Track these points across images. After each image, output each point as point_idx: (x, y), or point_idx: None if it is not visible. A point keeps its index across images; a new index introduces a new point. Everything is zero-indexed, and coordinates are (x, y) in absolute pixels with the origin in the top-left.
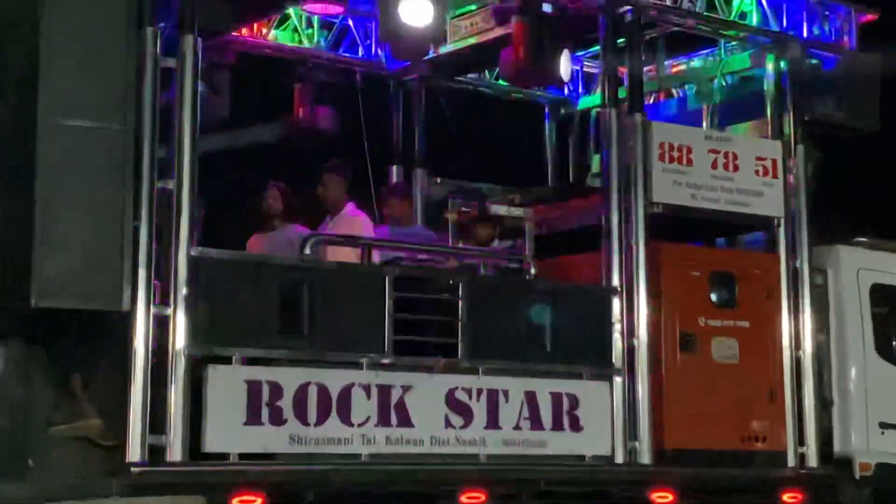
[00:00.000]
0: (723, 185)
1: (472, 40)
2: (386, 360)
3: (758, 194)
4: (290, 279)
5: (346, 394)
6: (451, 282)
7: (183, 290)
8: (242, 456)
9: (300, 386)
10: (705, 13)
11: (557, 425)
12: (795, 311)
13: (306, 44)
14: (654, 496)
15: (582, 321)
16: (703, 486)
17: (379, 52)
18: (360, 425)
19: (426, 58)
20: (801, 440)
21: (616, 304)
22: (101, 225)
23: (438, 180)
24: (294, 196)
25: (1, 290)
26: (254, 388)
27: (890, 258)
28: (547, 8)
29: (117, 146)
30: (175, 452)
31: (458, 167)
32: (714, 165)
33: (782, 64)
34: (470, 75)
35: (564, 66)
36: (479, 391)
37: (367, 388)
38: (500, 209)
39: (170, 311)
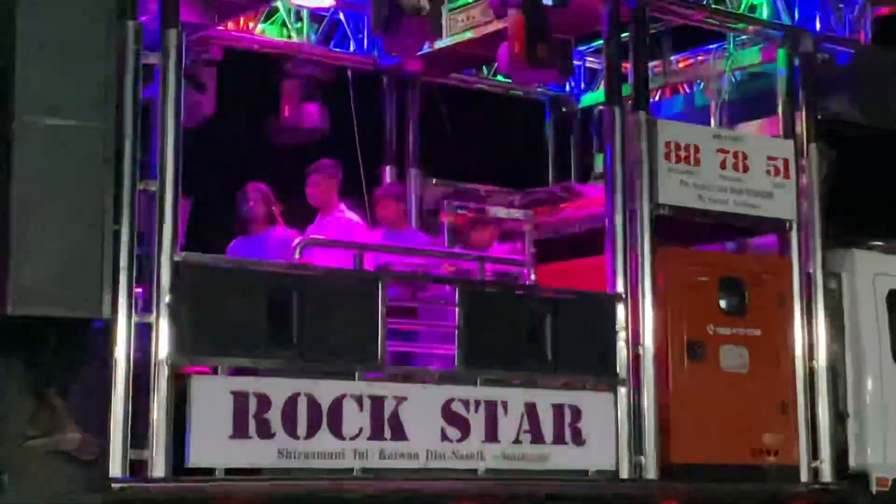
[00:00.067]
0: (732, 185)
1: (469, 34)
2: (379, 371)
3: (769, 195)
4: (278, 285)
5: (337, 406)
6: (447, 287)
7: (166, 297)
8: (228, 471)
9: (289, 397)
10: (713, 6)
11: (559, 438)
12: (808, 318)
13: (295, 38)
14: None
15: (584, 329)
16: (712, 503)
17: (371, 47)
18: (352, 439)
19: (421, 53)
20: (814, 454)
21: (620, 310)
22: (80, 228)
23: (434, 181)
24: (276, 198)
25: None
26: (240, 399)
27: None
28: (547, 0)
29: (97, 146)
30: (158, 467)
31: (454, 167)
32: (723, 165)
33: (794, 59)
34: (467, 71)
35: (564, 62)
36: (477, 403)
37: (359, 400)
38: (499, 211)
39: (152, 318)
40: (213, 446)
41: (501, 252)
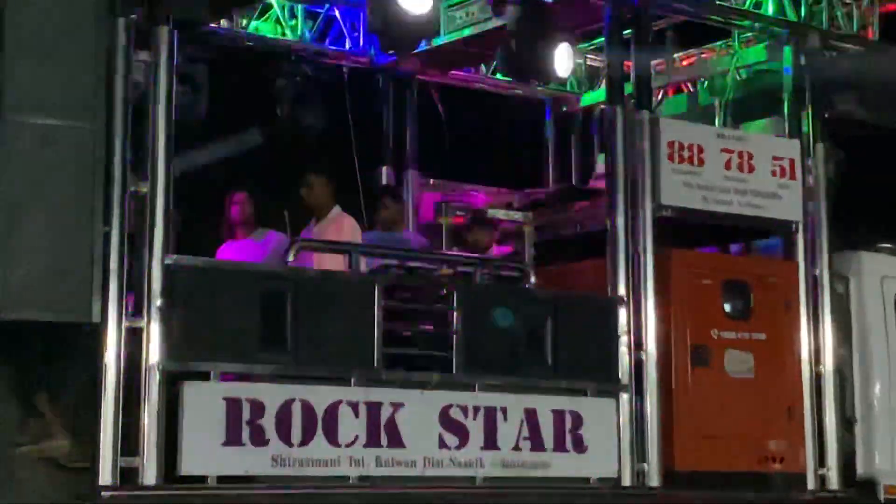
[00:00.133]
0: (736, 186)
1: (467, 31)
2: (375, 376)
3: (774, 197)
4: (272, 288)
5: (332, 412)
6: (444, 291)
7: (157, 301)
8: (221, 479)
9: (283, 403)
10: (718, 2)
11: (560, 445)
12: (815, 322)
13: (289, 36)
14: None
15: (586, 333)
16: None
17: (368, 45)
18: (347, 446)
19: (419, 50)
20: (821, 461)
21: (622, 314)
22: (68, 231)
23: (431, 182)
24: (261, 203)
25: None
26: (233, 405)
27: None
28: None
29: (86, 146)
30: (149, 475)
31: (452, 168)
32: (727, 166)
33: (800, 56)
34: (465, 69)
35: (563, 60)
36: (476, 409)
37: (355, 406)
38: (498, 213)
39: (143, 323)
40: (205, 453)
41: (500, 254)
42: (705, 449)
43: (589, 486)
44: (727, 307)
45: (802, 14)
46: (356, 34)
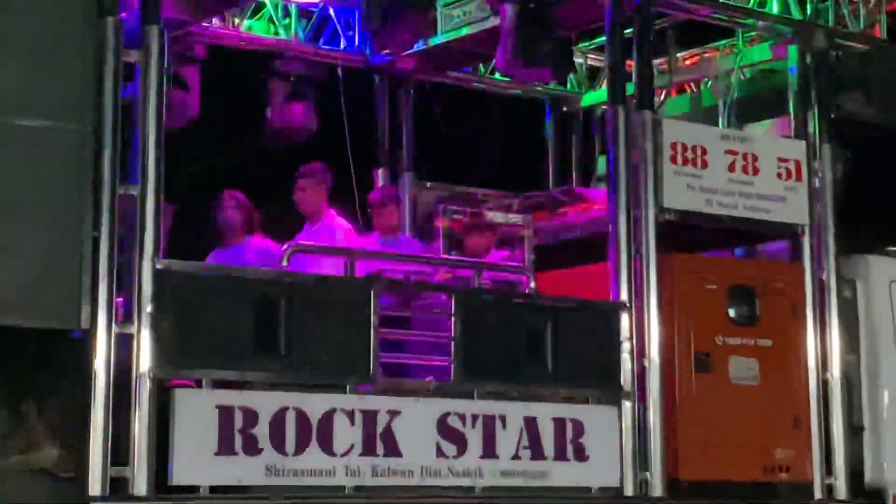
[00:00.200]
0: (741, 189)
1: (465, 30)
2: (371, 383)
3: (780, 199)
4: (265, 294)
5: (327, 420)
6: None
7: (148, 307)
8: (213, 489)
9: (277, 411)
10: (721, 0)
11: (560, 454)
12: (822, 327)
13: (283, 35)
14: None
15: (587, 339)
16: None
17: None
18: (343, 455)
19: (415, 50)
20: (828, 470)
21: (624, 320)
22: (57, 235)
23: (428, 184)
24: (254, 206)
25: None
26: (226, 414)
27: None
28: None
29: (75, 148)
30: (139, 485)
31: (449, 170)
32: (731, 168)
33: (806, 56)
34: (463, 69)
35: (560, 59)
36: (474, 417)
37: (350, 414)
38: (497, 216)
39: (133, 329)
40: (197, 463)
41: (499, 259)
42: (709, 458)
43: (590, 496)
44: (732, 312)
45: (808, 12)
46: (351, 33)
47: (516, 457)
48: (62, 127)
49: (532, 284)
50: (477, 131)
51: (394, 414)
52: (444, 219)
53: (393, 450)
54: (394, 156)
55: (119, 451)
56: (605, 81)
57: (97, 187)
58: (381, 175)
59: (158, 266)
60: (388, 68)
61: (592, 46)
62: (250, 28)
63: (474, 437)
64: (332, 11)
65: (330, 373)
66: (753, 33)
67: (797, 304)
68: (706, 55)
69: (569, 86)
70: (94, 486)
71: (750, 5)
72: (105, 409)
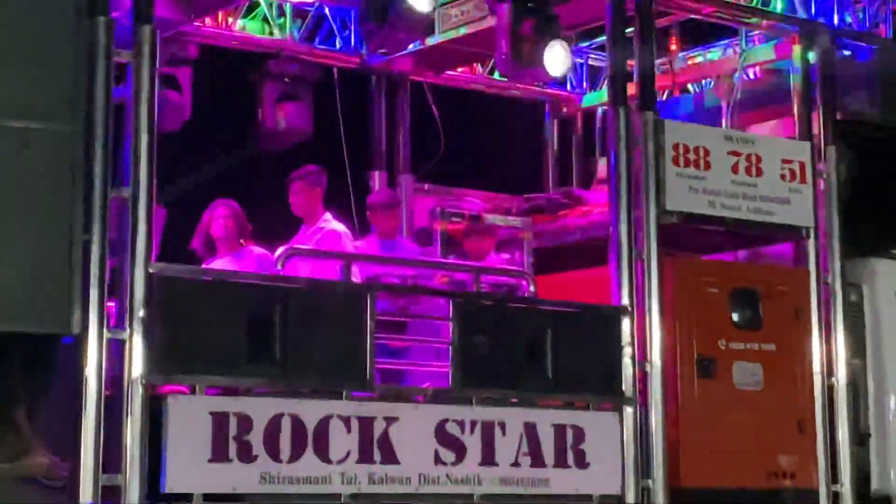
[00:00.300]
0: (744, 191)
1: (462, 30)
2: (368, 389)
3: (784, 201)
4: (260, 298)
5: (323, 427)
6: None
7: (140, 312)
8: (207, 497)
9: (272, 418)
10: None
11: (561, 462)
12: (827, 332)
13: (277, 35)
14: None
15: (588, 345)
16: None
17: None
18: (339, 462)
19: (412, 50)
20: (834, 477)
21: (626, 325)
22: (47, 238)
23: (426, 187)
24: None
25: None
26: (220, 420)
27: None
28: None
29: (65, 150)
30: (132, 493)
31: (447, 172)
32: (734, 169)
33: (810, 56)
34: (461, 69)
35: (556, 59)
36: (473, 423)
37: (346, 421)
38: (496, 219)
39: (125, 334)
40: (190, 470)
41: (498, 262)
42: (712, 465)
43: None
44: (735, 317)
45: (812, 11)
46: (346, 33)
47: (516, 464)
48: (52, 128)
49: (532, 288)
50: (475, 133)
51: (391, 420)
52: (443, 222)
53: (390, 457)
54: (391, 158)
55: (111, 458)
56: (606, 82)
57: (88, 190)
58: (377, 178)
59: (151, 270)
60: (384, 69)
61: (593, 46)
62: (244, 28)
63: (473, 444)
64: (327, 11)
65: (326, 379)
66: (757, 32)
67: (801, 308)
68: (709, 55)
69: (569, 86)
70: (86, 494)
71: (753, 4)
72: (96, 416)
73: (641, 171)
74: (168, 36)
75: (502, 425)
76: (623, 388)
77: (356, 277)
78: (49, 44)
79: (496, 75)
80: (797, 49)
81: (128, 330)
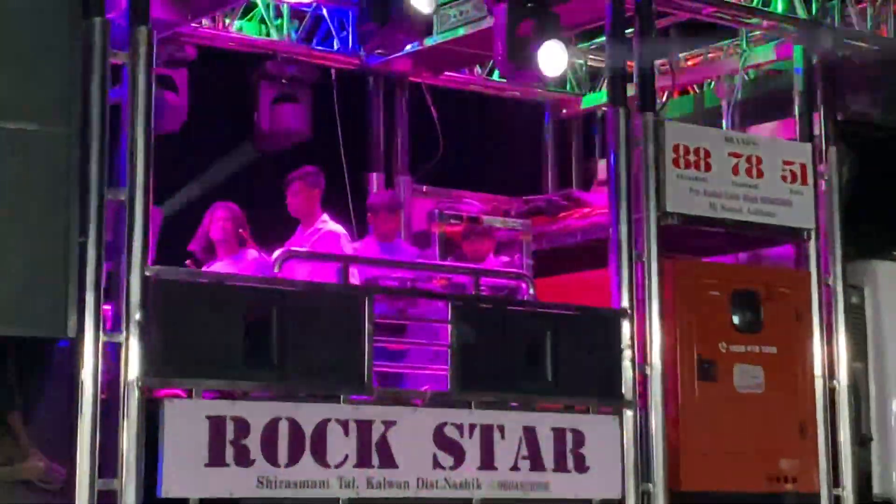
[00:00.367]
0: (745, 192)
1: (461, 31)
2: (366, 393)
3: (785, 203)
4: (257, 301)
5: (321, 431)
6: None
7: (136, 315)
8: (204, 501)
9: (269, 422)
10: None
11: (560, 465)
12: (828, 334)
13: (275, 36)
14: None
15: (587, 347)
16: None
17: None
18: (337, 466)
19: (411, 51)
20: (835, 481)
21: (626, 327)
22: (43, 241)
23: (424, 189)
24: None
25: None
26: (217, 424)
27: None
28: None
29: (61, 151)
30: (128, 498)
31: (446, 174)
32: (735, 171)
33: (812, 55)
34: (460, 70)
35: (552, 60)
36: (472, 427)
37: (344, 425)
38: (495, 221)
39: (121, 338)
40: (187, 475)
41: (497, 265)
42: (713, 468)
43: None
44: (736, 319)
45: (814, 11)
46: (344, 34)
47: (515, 468)
48: (48, 130)
49: (531, 291)
50: (474, 134)
51: (389, 424)
52: (441, 224)
53: (388, 461)
54: (389, 159)
55: (107, 462)
56: (606, 83)
57: (84, 192)
58: (375, 179)
59: (147, 273)
60: (382, 70)
61: (592, 46)
62: (241, 29)
63: (472, 448)
64: (325, 12)
65: (323, 382)
66: (757, 33)
67: (803, 310)
68: (709, 56)
69: (568, 87)
70: (82, 499)
71: (754, 4)
72: (92, 420)
73: (641, 173)
74: (164, 37)
75: (501, 429)
76: (623, 391)
77: (354, 279)
78: (45, 45)
79: (495, 76)
80: (798, 49)
81: (124, 333)
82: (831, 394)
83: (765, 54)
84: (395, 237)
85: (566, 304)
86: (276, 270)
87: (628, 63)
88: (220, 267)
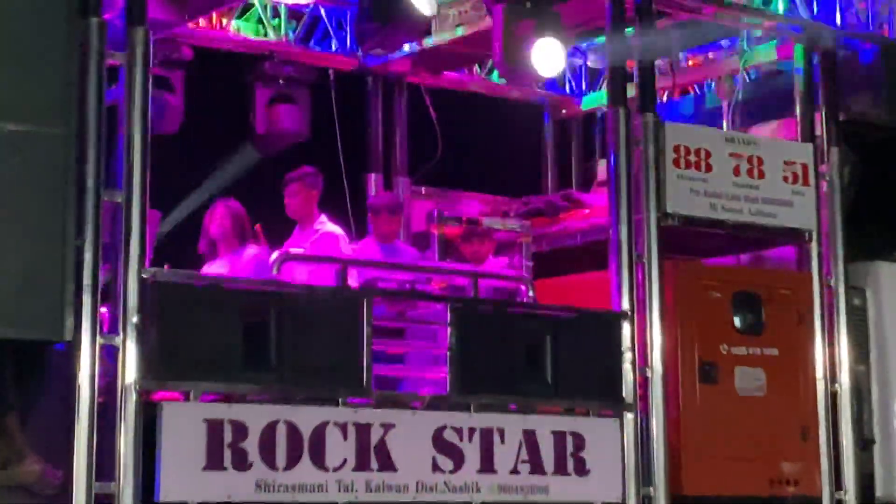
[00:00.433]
0: (746, 193)
1: (460, 31)
2: (364, 396)
3: (786, 204)
4: (255, 304)
5: (319, 434)
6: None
7: (133, 317)
8: None
9: (267, 425)
10: None
11: (561, 469)
12: (830, 336)
13: (272, 36)
14: None
15: (587, 350)
16: None
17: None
18: (335, 470)
19: (409, 51)
20: (838, 484)
21: (626, 329)
22: (39, 243)
23: (423, 190)
24: (247, 215)
25: None
26: (214, 427)
27: None
28: None
29: (57, 153)
30: (125, 502)
31: (445, 175)
32: (736, 171)
33: (813, 56)
34: (459, 70)
35: (547, 60)
36: (471, 430)
37: (343, 428)
38: (494, 222)
39: (118, 340)
40: (185, 478)
41: (497, 267)
42: (715, 472)
43: None
44: (737, 321)
45: (815, 11)
46: (343, 34)
47: (515, 471)
48: (44, 131)
49: (530, 293)
50: (473, 135)
51: (388, 427)
52: (440, 225)
53: (387, 464)
54: (387, 160)
55: (104, 466)
56: (606, 83)
57: (80, 194)
58: (373, 180)
59: (144, 275)
60: (381, 70)
61: (592, 47)
62: (238, 29)
63: (471, 452)
64: (323, 12)
65: (322, 385)
66: (759, 33)
67: (804, 312)
68: (710, 56)
69: (568, 88)
70: (79, 503)
71: (755, 4)
72: (89, 423)
73: (642, 174)
74: (161, 37)
75: (501, 432)
76: (623, 393)
77: (353, 280)
78: (41, 45)
79: (494, 76)
80: (799, 49)
81: (121, 336)
82: (833, 396)
83: (766, 54)
84: (395, 239)
85: (566, 306)
86: (274, 272)
87: (628, 63)
88: (219, 265)
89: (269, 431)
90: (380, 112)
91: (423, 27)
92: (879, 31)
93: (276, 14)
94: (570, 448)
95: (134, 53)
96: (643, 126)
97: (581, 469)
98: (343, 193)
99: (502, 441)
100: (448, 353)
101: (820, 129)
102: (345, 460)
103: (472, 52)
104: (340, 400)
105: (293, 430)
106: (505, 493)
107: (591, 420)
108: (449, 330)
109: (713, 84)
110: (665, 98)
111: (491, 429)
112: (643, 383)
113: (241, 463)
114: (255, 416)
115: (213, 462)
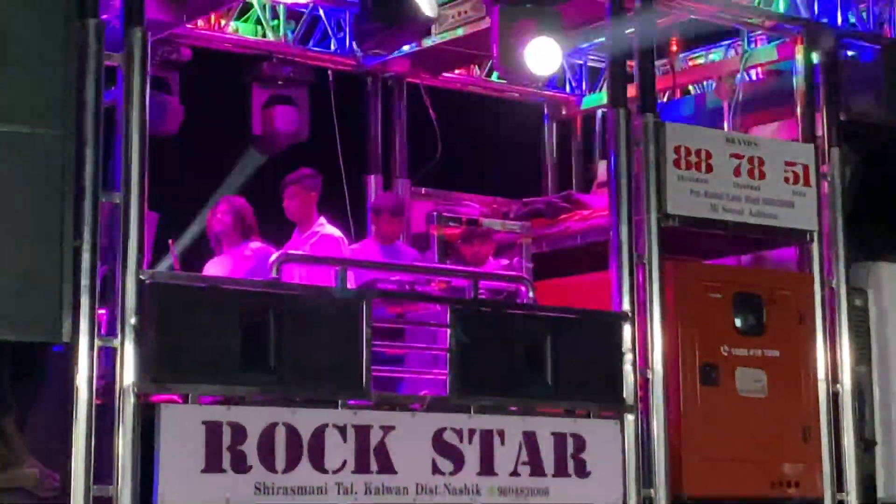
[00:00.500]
0: (747, 194)
1: (459, 31)
2: (364, 398)
3: (788, 205)
4: (254, 305)
5: (318, 436)
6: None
7: (131, 319)
8: None
9: (266, 427)
10: None
11: (561, 471)
12: (832, 337)
13: (271, 37)
14: None
15: (588, 351)
16: None
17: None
18: (335, 472)
19: (409, 51)
20: (839, 485)
21: (626, 331)
22: (37, 244)
23: (423, 191)
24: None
25: None
26: (213, 430)
27: None
28: None
29: (55, 154)
30: None
31: (444, 176)
32: (737, 172)
33: (814, 56)
34: (458, 71)
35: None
36: (471, 432)
37: (342, 430)
38: (494, 224)
39: (117, 342)
40: (183, 481)
41: (497, 268)
42: (716, 473)
43: None
44: (738, 322)
45: (816, 11)
46: (342, 35)
47: (515, 473)
48: (42, 132)
49: (531, 294)
50: (473, 136)
51: (388, 429)
52: (440, 227)
53: (387, 467)
54: (387, 161)
55: (102, 468)
56: (606, 83)
57: (78, 195)
58: (373, 182)
59: (142, 277)
60: (380, 71)
61: (592, 47)
62: (237, 30)
63: (471, 453)
64: (322, 12)
65: (321, 387)
66: (759, 33)
67: (806, 313)
68: (711, 56)
69: (568, 88)
70: None
71: (756, 4)
72: (87, 426)
73: (642, 174)
74: (160, 38)
75: (501, 434)
76: (624, 395)
77: (351, 281)
78: (38, 47)
79: (494, 77)
80: (800, 49)
81: (119, 337)
82: (835, 397)
83: (767, 54)
84: (396, 240)
85: (566, 307)
86: (273, 274)
87: (628, 63)
88: (221, 261)
89: (268, 433)
90: (379, 113)
91: (425, 28)
92: (880, 31)
93: (274, 15)
94: (570, 450)
95: (132, 54)
96: (643, 126)
97: (581, 471)
98: (342, 195)
99: (502, 443)
100: (448, 354)
101: (821, 129)
102: (344, 462)
103: (471, 52)
104: (340, 402)
105: (292, 433)
106: (505, 496)
107: (592, 421)
108: (448, 331)
109: (713, 84)
110: (665, 98)
111: (491, 430)
112: (644, 384)
113: (240, 465)
114: (254, 418)
115: (212, 464)
